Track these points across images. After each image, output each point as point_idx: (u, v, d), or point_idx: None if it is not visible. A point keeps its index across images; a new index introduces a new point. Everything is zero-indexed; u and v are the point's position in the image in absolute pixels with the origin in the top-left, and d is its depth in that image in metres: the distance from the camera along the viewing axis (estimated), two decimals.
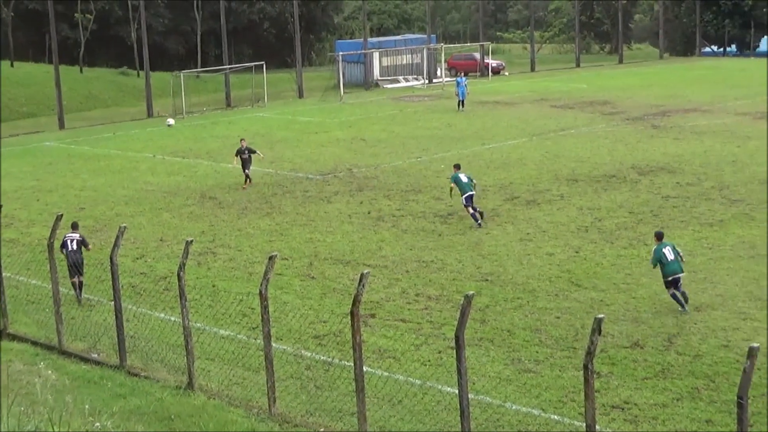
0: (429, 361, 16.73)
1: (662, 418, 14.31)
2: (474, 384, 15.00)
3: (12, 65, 68.84)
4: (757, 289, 20.06)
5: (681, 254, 19.54)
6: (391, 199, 30.10)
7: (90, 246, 21.28)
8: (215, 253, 24.55)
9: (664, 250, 19.24)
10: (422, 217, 27.50)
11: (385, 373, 15.88)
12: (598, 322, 10.25)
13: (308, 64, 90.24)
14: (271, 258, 13.52)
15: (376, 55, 70.73)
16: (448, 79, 68.48)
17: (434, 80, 70.21)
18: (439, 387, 15.32)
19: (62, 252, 20.41)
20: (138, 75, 69.18)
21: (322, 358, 16.87)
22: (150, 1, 74.13)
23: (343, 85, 62.65)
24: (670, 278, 19.04)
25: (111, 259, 15.76)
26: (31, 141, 47.77)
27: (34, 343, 17.09)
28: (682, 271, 19.16)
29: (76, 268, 20.56)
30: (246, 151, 32.75)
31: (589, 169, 33.60)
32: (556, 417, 14.41)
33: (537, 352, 17.07)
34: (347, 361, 15.54)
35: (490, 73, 72.71)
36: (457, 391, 11.87)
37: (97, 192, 33.09)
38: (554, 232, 25.35)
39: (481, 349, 17.16)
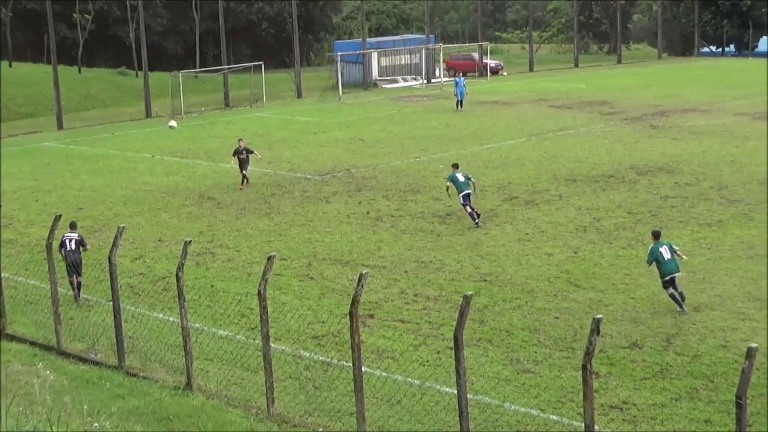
0: (428, 361, 16.73)
1: (661, 418, 14.32)
2: (473, 384, 15.00)
3: (10, 65, 68.79)
4: (755, 290, 20.08)
5: (679, 252, 19.56)
6: (389, 199, 30.10)
7: (88, 246, 21.26)
8: (214, 253, 24.54)
9: (660, 249, 19.26)
10: (421, 218, 27.50)
11: (384, 374, 15.89)
12: (597, 323, 10.25)
13: (307, 64, 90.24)
14: (269, 258, 13.52)
15: (374, 55, 70.74)
16: (447, 79, 68.47)
17: (433, 80, 70.24)
18: (438, 387, 15.32)
19: (61, 252, 20.41)
20: (136, 75, 69.15)
21: (320, 358, 16.86)
22: (148, 1, 74.13)
23: (342, 85, 62.65)
24: (666, 278, 19.07)
25: (109, 259, 15.75)
26: (29, 141, 47.75)
27: (33, 344, 17.08)
28: (678, 271, 19.19)
29: (74, 267, 20.55)
30: (244, 152, 32.68)
31: (588, 169, 33.60)
32: (554, 417, 14.41)
33: (536, 352, 17.08)
34: (346, 362, 15.55)
35: (488, 73, 72.73)
36: (455, 392, 11.87)
37: (96, 192, 33.08)
38: (553, 233, 25.36)
39: (480, 350, 17.17)
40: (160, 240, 26.16)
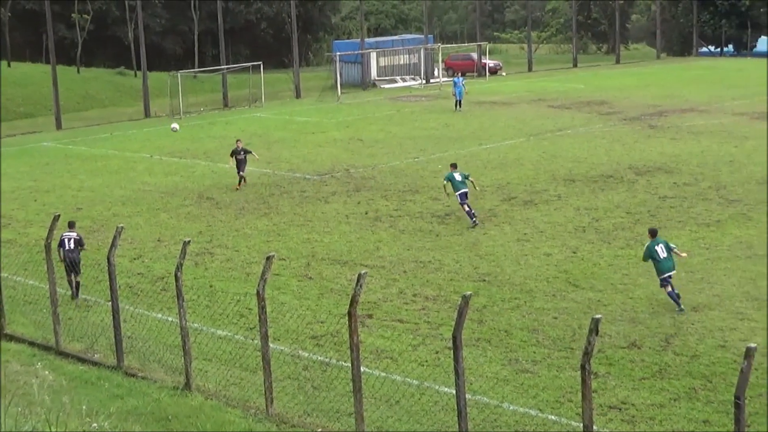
0: (426, 361, 16.74)
1: (659, 418, 14.33)
2: (471, 384, 14.99)
3: (9, 65, 68.71)
4: (754, 289, 20.09)
5: (676, 250, 19.58)
6: (388, 199, 30.10)
7: (86, 246, 21.26)
8: (213, 253, 24.54)
9: (656, 247, 19.29)
10: (419, 218, 27.50)
11: (383, 374, 15.89)
12: (596, 323, 10.26)
13: (305, 64, 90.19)
14: (268, 258, 13.52)
15: (373, 55, 70.73)
16: (446, 79, 68.44)
17: (431, 80, 70.25)
18: (437, 387, 15.33)
19: (59, 251, 20.41)
20: (135, 75, 69.11)
21: (319, 358, 16.87)
22: (147, 1, 74.08)
23: (341, 85, 62.64)
24: (663, 276, 19.10)
25: (108, 259, 15.75)
26: (28, 141, 47.73)
27: (32, 344, 17.07)
28: (674, 269, 19.24)
29: (73, 267, 20.56)
30: (242, 152, 32.65)
31: (587, 169, 33.61)
32: (553, 417, 14.42)
33: (534, 352, 17.08)
34: (344, 362, 15.54)
35: (487, 73, 72.73)
36: (454, 392, 11.87)
37: (95, 192, 33.07)
38: (551, 233, 25.36)
39: (479, 350, 17.18)
40: (158, 240, 26.16)
